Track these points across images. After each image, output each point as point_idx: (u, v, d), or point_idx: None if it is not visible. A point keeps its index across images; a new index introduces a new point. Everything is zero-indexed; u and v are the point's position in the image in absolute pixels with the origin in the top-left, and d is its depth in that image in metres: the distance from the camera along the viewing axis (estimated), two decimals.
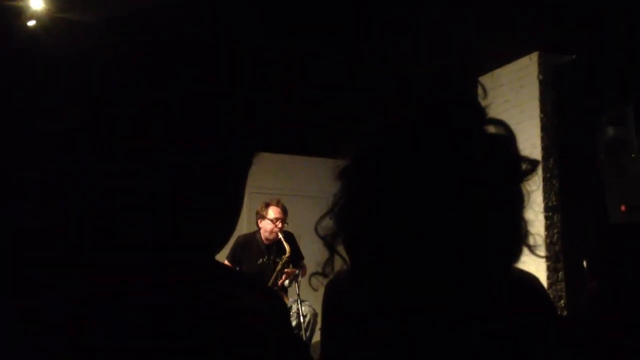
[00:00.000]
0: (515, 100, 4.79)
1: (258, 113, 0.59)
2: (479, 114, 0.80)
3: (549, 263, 4.52)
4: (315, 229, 0.83)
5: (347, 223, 0.81)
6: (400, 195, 0.75)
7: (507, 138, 0.80)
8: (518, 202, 0.78)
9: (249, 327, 0.60)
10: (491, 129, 0.80)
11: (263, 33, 3.59)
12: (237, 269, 4.66)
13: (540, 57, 4.68)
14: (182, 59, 0.55)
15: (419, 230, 0.74)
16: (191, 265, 0.59)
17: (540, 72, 4.68)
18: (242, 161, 0.61)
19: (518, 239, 0.78)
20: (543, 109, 4.66)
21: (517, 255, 0.78)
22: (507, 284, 0.82)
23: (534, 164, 0.80)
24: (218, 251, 0.62)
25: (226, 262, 4.67)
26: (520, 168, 0.79)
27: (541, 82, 4.69)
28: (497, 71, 4.94)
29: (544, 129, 4.64)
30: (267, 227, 4.96)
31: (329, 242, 0.83)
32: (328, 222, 0.83)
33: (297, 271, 4.89)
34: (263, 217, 4.99)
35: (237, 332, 0.59)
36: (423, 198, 0.74)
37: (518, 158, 0.80)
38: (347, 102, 5.27)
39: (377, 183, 0.77)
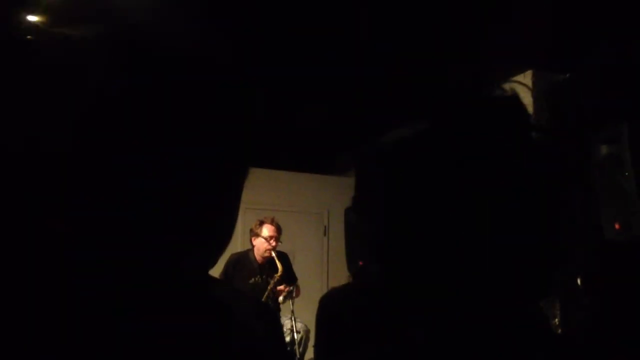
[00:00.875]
0: None
1: (254, 122, 0.59)
2: (524, 119, 0.78)
3: None
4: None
5: (386, 224, 0.77)
6: (442, 198, 0.73)
7: (552, 144, 0.77)
8: (560, 216, 0.75)
9: (241, 340, 0.60)
10: (536, 135, 0.77)
11: (261, 47, 3.61)
12: None
13: (533, 75, 4.71)
14: (179, 69, 0.55)
15: (458, 232, 0.72)
16: (185, 277, 0.58)
17: (534, 90, 4.70)
18: (239, 171, 0.60)
19: (561, 258, 0.75)
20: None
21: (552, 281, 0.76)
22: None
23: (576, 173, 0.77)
24: (213, 264, 0.61)
25: None
26: (565, 177, 0.76)
27: (535, 100, 4.71)
28: None
29: None
30: (260, 245, 4.96)
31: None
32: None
33: (290, 288, 4.87)
34: (257, 235, 4.99)
35: (229, 345, 0.58)
36: (462, 201, 0.72)
37: (563, 167, 0.77)
38: (344, 118, 5.29)
39: (419, 186, 0.74)
